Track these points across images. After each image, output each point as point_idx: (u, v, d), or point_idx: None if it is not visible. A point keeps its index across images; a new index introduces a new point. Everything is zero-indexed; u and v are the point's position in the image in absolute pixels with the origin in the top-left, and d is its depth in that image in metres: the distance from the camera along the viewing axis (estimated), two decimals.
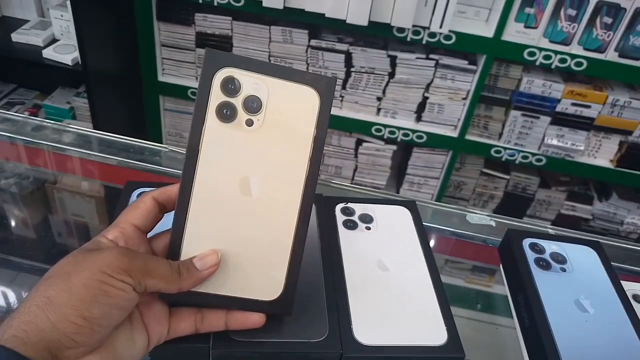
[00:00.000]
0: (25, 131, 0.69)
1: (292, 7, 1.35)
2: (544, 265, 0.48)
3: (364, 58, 1.47)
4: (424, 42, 1.38)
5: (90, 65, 1.41)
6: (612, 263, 0.50)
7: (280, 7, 1.35)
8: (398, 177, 1.72)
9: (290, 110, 0.38)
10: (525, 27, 1.35)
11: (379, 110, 1.56)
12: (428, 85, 1.49)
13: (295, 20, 1.44)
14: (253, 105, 0.37)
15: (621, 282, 0.48)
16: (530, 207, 1.68)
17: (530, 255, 0.48)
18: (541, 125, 1.49)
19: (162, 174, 0.64)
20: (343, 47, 1.47)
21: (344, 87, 1.52)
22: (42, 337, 0.30)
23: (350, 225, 0.52)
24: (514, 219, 0.61)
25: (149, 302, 0.37)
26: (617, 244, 0.59)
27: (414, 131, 1.54)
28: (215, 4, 1.40)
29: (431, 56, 1.45)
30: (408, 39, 1.38)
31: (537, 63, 1.38)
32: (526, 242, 0.50)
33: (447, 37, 1.36)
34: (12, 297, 0.56)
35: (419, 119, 1.55)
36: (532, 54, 1.37)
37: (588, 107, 1.44)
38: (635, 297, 0.47)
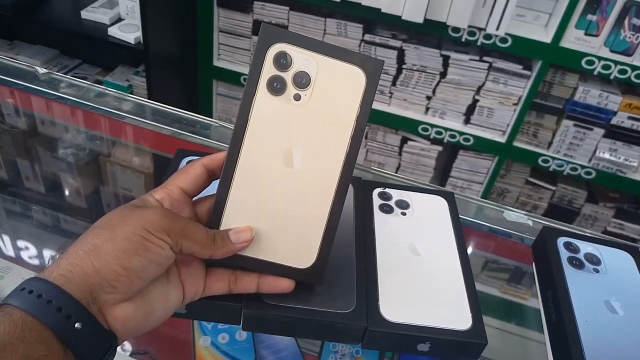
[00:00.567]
0: (89, 97, 0.74)
1: (349, 0, 1.37)
2: (577, 264, 0.47)
3: (417, 56, 1.47)
4: (478, 43, 1.37)
5: (151, 46, 1.47)
6: None
7: None
8: (441, 179, 1.71)
9: (337, 88, 0.39)
10: (586, 34, 1.31)
11: (427, 109, 1.55)
12: (479, 88, 1.48)
13: (351, 14, 1.45)
14: (302, 80, 0.39)
15: None
16: (575, 221, 1.64)
17: (564, 254, 0.48)
18: (594, 137, 1.45)
19: (212, 147, 0.67)
20: (396, 43, 1.48)
21: (393, 84, 1.53)
22: (85, 280, 0.33)
23: (386, 209, 0.54)
24: (552, 220, 0.60)
25: (188, 261, 0.40)
26: None
27: (461, 133, 1.53)
28: None
29: (485, 58, 1.44)
30: (463, 40, 1.37)
31: (595, 72, 1.34)
32: (561, 241, 0.50)
33: (503, 40, 1.35)
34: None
35: (467, 121, 1.54)
36: (590, 62, 1.33)
37: None
38: None
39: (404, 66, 1.49)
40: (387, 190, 0.56)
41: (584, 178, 1.51)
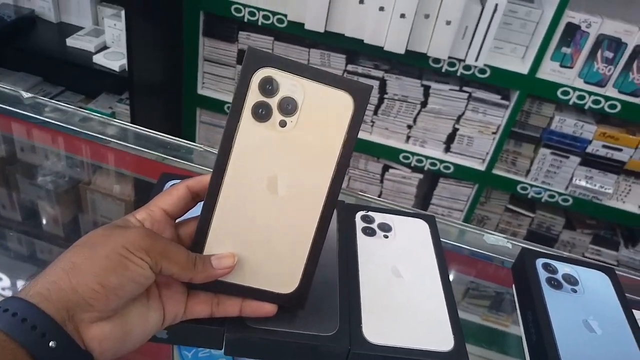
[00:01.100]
0: (73, 121, 0.74)
1: (332, 31, 1.40)
2: (555, 284, 0.48)
3: (398, 86, 1.50)
4: (458, 74, 1.41)
5: (135, 73, 1.48)
6: (626, 294, 0.50)
7: (322, 30, 1.40)
8: (422, 207, 1.73)
9: (324, 114, 0.39)
10: (561, 66, 1.36)
11: (408, 138, 1.58)
12: (459, 117, 1.51)
13: (334, 45, 1.48)
14: (288, 107, 0.38)
15: (633, 310, 0.48)
16: (553, 247, 1.66)
17: (543, 275, 0.49)
18: (570, 165, 1.49)
19: (196, 172, 0.67)
20: (378, 73, 1.51)
21: (375, 113, 1.56)
22: (62, 297, 0.32)
23: (369, 232, 0.54)
24: (532, 243, 0.62)
25: (169, 282, 0.39)
26: (633, 277, 0.59)
27: (441, 161, 1.56)
28: (260, 23, 1.46)
29: (465, 88, 1.47)
30: (443, 70, 1.41)
31: (571, 102, 1.39)
32: (539, 262, 0.51)
33: (482, 71, 1.39)
34: None
35: (447, 149, 1.56)
36: (565, 93, 1.37)
37: (619, 150, 1.43)
38: None
39: (385, 96, 1.53)
40: (369, 213, 0.57)
41: (562, 205, 1.54)
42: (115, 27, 1.56)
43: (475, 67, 1.38)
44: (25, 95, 0.75)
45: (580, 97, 1.37)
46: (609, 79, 1.35)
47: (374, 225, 0.55)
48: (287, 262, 0.41)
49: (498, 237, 0.63)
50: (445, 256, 0.53)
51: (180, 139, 0.71)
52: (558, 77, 1.38)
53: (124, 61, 1.50)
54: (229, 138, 0.38)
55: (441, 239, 0.55)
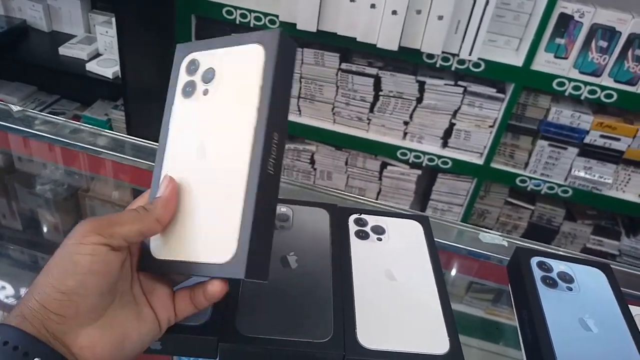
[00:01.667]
0: (64, 133, 0.74)
1: (325, 30, 1.40)
2: (551, 283, 0.48)
3: (393, 82, 1.50)
4: (453, 68, 1.40)
5: (129, 80, 1.47)
6: (622, 289, 0.50)
7: (314, 30, 1.39)
8: (422, 203, 1.72)
9: (238, 72, 0.38)
10: (556, 57, 1.35)
11: (405, 134, 1.57)
12: (455, 112, 1.51)
13: (327, 44, 1.48)
14: (208, 76, 0.40)
15: (629, 306, 0.48)
16: (554, 239, 1.66)
17: (537, 273, 0.49)
18: (568, 156, 1.48)
19: None
20: (373, 71, 1.50)
21: (371, 111, 1.55)
22: (35, 316, 0.32)
23: (362, 235, 0.54)
24: (526, 240, 0.61)
25: (152, 286, 0.39)
26: (630, 270, 0.59)
27: (439, 157, 1.55)
28: (252, 25, 1.45)
29: (460, 83, 1.47)
30: (437, 65, 1.40)
31: (567, 93, 1.38)
32: (534, 260, 0.51)
33: (476, 65, 1.38)
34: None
35: (445, 144, 1.56)
36: (561, 84, 1.37)
37: (617, 139, 1.43)
38: None
39: (380, 93, 1.52)
40: (362, 216, 0.57)
41: (561, 197, 1.54)
42: (107, 34, 1.56)
43: (470, 61, 1.38)
44: (15, 109, 0.75)
45: (576, 88, 1.37)
46: (604, 68, 1.35)
47: (367, 228, 0.55)
48: (219, 228, 0.37)
49: (494, 235, 0.62)
50: (439, 257, 0.53)
51: None
52: (553, 68, 1.37)
53: (117, 68, 1.50)
54: (166, 119, 0.42)
55: (436, 239, 0.55)
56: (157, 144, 0.43)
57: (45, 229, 0.71)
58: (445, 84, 1.47)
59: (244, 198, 0.36)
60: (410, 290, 0.49)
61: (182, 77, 0.41)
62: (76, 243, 0.34)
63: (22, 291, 0.60)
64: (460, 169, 1.56)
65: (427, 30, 1.34)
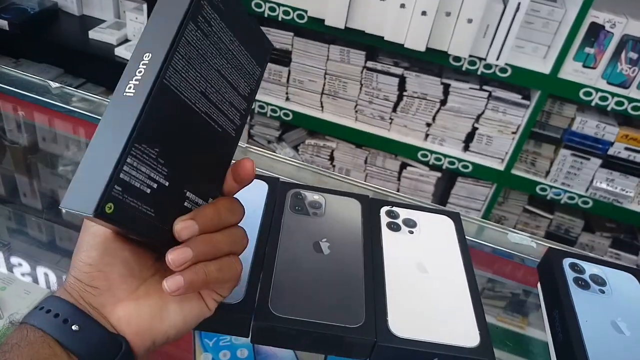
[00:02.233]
0: (100, 111, 0.75)
1: (353, 27, 1.40)
2: (583, 284, 0.48)
3: (418, 83, 1.50)
4: (479, 72, 1.40)
5: None
6: None
7: (342, 27, 1.40)
8: (439, 205, 1.72)
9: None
10: (584, 66, 1.34)
11: (427, 136, 1.57)
12: (479, 116, 1.50)
13: (354, 41, 1.48)
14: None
15: None
16: None
17: (570, 274, 0.49)
18: (591, 167, 1.47)
19: None
20: (398, 70, 1.50)
21: (394, 110, 1.55)
22: (74, 289, 0.34)
23: (394, 227, 0.54)
24: (556, 242, 0.61)
25: None
26: None
27: (460, 160, 1.55)
28: (280, 19, 1.46)
29: (485, 87, 1.46)
30: (463, 69, 1.40)
31: (593, 104, 1.37)
32: (566, 262, 0.51)
33: (503, 70, 1.38)
34: (53, 278, 0.61)
35: (466, 148, 1.55)
36: (588, 94, 1.36)
37: None
38: None
39: (404, 93, 1.52)
40: (394, 208, 0.57)
41: (581, 207, 1.52)
42: (136, 21, 1.58)
43: (496, 66, 1.37)
44: (53, 85, 0.76)
45: (603, 98, 1.36)
46: (632, 80, 1.33)
47: (399, 221, 0.55)
48: None
49: (522, 236, 0.62)
50: (470, 254, 0.53)
51: None
52: (580, 78, 1.36)
53: None
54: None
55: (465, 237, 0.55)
56: None
57: (64, 210, 0.72)
58: (470, 88, 1.47)
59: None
60: (442, 284, 0.49)
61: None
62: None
63: (38, 270, 0.61)
64: (480, 173, 1.56)
65: (456, 33, 1.34)
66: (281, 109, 1.61)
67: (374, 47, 1.49)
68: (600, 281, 0.49)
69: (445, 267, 0.51)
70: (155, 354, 0.47)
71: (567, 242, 1.63)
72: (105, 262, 0.34)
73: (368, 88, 1.54)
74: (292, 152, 1.67)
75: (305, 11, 1.43)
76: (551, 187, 1.52)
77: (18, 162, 0.78)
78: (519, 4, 1.28)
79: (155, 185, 0.32)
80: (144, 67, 0.32)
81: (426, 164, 1.59)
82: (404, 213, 0.56)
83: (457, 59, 1.39)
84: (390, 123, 1.57)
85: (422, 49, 1.36)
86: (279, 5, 1.44)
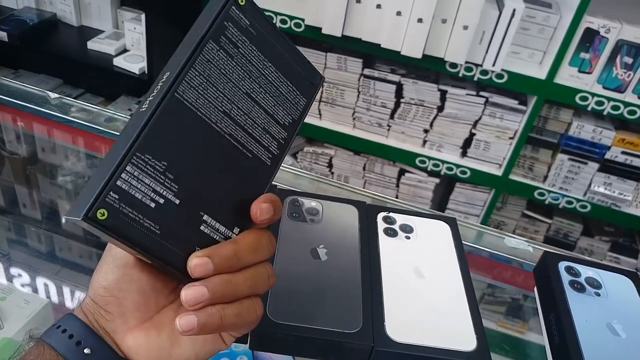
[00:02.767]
0: (99, 121, 0.75)
1: (350, 35, 1.41)
2: (579, 287, 0.48)
3: (415, 90, 1.51)
4: (475, 78, 1.41)
5: (155, 75, 1.50)
6: None
7: (339, 35, 1.41)
8: (438, 211, 1.72)
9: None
10: (579, 71, 1.35)
11: (424, 142, 1.58)
12: (476, 122, 1.51)
13: (351, 49, 1.49)
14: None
15: None
16: None
17: (565, 277, 0.49)
18: (588, 171, 1.47)
19: None
20: (395, 78, 1.51)
21: (392, 117, 1.56)
22: (90, 311, 0.34)
23: (391, 232, 0.55)
24: (552, 247, 0.62)
25: None
26: None
27: (458, 166, 1.55)
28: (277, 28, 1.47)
29: (481, 93, 1.47)
30: (460, 75, 1.41)
31: (589, 108, 1.38)
32: (562, 265, 0.51)
33: (499, 76, 1.38)
34: (53, 288, 0.61)
35: (464, 154, 1.56)
36: (584, 98, 1.37)
37: (639, 156, 1.42)
38: None
39: (402, 100, 1.53)
40: (391, 214, 0.57)
41: (580, 211, 1.53)
42: (135, 31, 1.59)
43: (493, 72, 1.38)
44: (52, 95, 0.77)
45: (599, 103, 1.36)
46: (628, 84, 1.34)
47: (396, 227, 0.55)
48: None
49: (519, 240, 0.63)
50: (466, 258, 0.53)
51: None
52: (576, 83, 1.37)
53: (144, 64, 1.52)
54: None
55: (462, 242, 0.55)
56: None
57: (64, 220, 0.72)
58: (467, 94, 1.47)
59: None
60: (438, 288, 0.49)
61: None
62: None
63: (38, 280, 0.61)
64: (478, 179, 1.56)
65: (452, 40, 1.35)
66: None
67: (370, 54, 1.50)
68: (595, 284, 0.49)
69: (442, 271, 0.51)
70: None
71: (566, 246, 1.63)
72: (120, 287, 0.33)
73: (365, 95, 1.55)
74: (291, 160, 1.68)
75: (303, 20, 1.44)
76: (549, 191, 1.53)
77: (17, 172, 0.78)
78: (514, 10, 1.29)
79: (161, 201, 0.31)
80: (161, 84, 0.32)
81: (424, 170, 1.60)
82: (400, 219, 0.57)
83: (454, 65, 1.40)
84: (388, 130, 1.58)
85: (419, 56, 1.37)
86: (276, 14, 1.46)
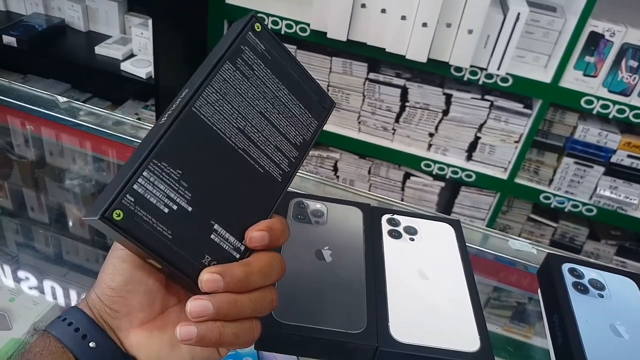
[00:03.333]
0: (107, 125, 0.76)
1: (355, 40, 1.42)
2: (582, 289, 0.49)
3: (420, 94, 1.51)
4: (480, 82, 1.41)
5: (161, 80, 1.51)
6: None
7: (344, 39, 1.41)
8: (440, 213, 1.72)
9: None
10: (585, 75, 1.35)
11: (430, 146, 1.58)
12: (481, 126, 1.51)
13: (356, 53, 1.50)
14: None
15: None
16: None
17: (569, 279, 0.50)
18: (594, 175, 1.47)
19: None
20: (400, 82, 1.52)
21: (397, 121, 1.56)
22: (95, 307, 0.35)
23: (395, 234, 0.55)
24: (558, 249, 0.62)
25: None
26: None
27: (463, 170, 1.55)
28: (282, 32, 1.48)
29: (487, 97, 1.47)
30: (465, 79, 1.41)
31: (594, 112, 1.38)
32: (565, 267, 0.51)
33: (504, 80, 1.39)
34: (60, 290, 0.62)
35: (469, 158, 1.56)
36: (589, 102, 1.37)
37: None
38: None
39: (407, 104, 1.53)
40: (395, 216, 0.58)
41: (585, 215, 1.53)
42: (142, 36, 1.60)
43: (498, 75, 1.38)
44: (62, 99, 0.78)
45: (605, 107, 1.36)
46: (633, 88, 1.34)
47: (400, 228, 0.56)
48: None
49: (523, 242, 0.63)
50: (470, 260, 0.53)
51: None
52: (581, 86, 1.37)
53: (151, 68, 1.54)
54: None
55: (466, 244, 0.56)
56: None
57: (71, 224, 0.73)
58: (472, 98, 1.48)
59: None
60: (442, 290, 0.49)
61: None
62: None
63: (46, 282, 0.62)
64: (483, 183, 1.56)
65: (457, 44, 1.35)
66: None
67: (375, 58, 1.51)
68: (599, 286, 0.49)
69: (446, 273, 0.51)
70: None
71: (572, 250, 1.63)
72: (128, 289, 0.34)
73: (371, 99, 1.55)
74: None
75: (308, 24, 1.45)
76: (555, 195, 1.52)
77: (25, 176, 0.79)
78: (519, 14, 1.29)
79: (175, 207, 0.32)
80: (180, 99, 0.34)
81: (429, 173, 1.60)
82: (404, 221, 0.57)
83: (459, 69, 1.40)
84: (393, 133, 1.59)
85: (424, 60, 1.38)
86: (281, 18, 1.47)
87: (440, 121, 1.53)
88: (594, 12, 1.27)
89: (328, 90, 1.57)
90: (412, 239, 0.55)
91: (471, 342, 0.45)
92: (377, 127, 1.59)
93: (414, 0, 1.31)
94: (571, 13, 1.34)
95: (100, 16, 1.72)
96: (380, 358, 0.44)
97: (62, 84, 1.88)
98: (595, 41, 1.32)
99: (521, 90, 1.41)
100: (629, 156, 1.43)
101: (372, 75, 1.53)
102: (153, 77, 1.52)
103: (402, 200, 1.68)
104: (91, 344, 0.33)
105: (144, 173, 0.31)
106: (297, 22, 1.46)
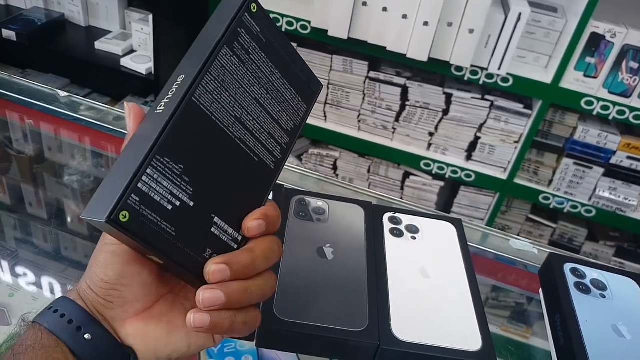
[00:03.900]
0: (107, 120, 0.76)
1: (355, 38, 1.41)
2: (584, 289, 0.49)
3: (420, 93, 1.51)
4: (480, 82, 1.41)
5: (161, 76, 1.51)
6: None
7: (345, 37, 1.41)
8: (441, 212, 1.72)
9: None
10: (585, 76, 1.35)
11: (429, 145, 1.58)
12: (481, 126, 1.51)
13: (357, 51, 1.50)
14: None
15: None
16: None
17: (571, 279, 0.50)
18: (594, 176, 1.47)
19: None
20: (400, 80, 1.52)
21: (397, 120, 1.56)
22: (87, 298, 0.34)
23: (397, 233, 0.55)
24: (557, 249, 0.62)
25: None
26: None
27: (462, 169, 1.55)
28: (283, 29, 1.48)
29: (487, 97, 1.47)
30: (465, 78, 1.41)
31: (594, 113, 1.38)
32: (567, 267, 0.51)
33: (505, 80, 1.39)
34: (59, 286, 0.61)
35: (469, 157, 1.56)
36: (589, 103, 1.37)
37: None
38: None
39: (407, 103, 1.53)
40: (397, 215, 0.58)
41: (585, 216, 1.53)
42: (142, 32, 1.60)
43: (498, 75, 1.38)
44: (62, 94, 0.78)
45: (605, 108, 1.36)
46: (634, 89, 1.34)
47: (402, 227, 0.56)
48: None
49: (524, 242, 0.63)
50: (471, 259, 0.53)
51: None
52: (582, 87, 1.37)
53: (151, 64, 1.53)
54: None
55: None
56: None
57: (70, 219, 0.73)
58: (472, 97, 1.48)
59: None
60: (444, 288, 0.49)
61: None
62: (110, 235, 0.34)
63: (45, 278, 0.62)
64: (483, 182, 1.56)
65: (458, 43, 1.35)
66: None
67: (376, 57, 1.51)
68: (601, 286, 0.49)
69: (448, 272, 0.51)
70: None
71: (570, 251, 1.63)
72: (122, 282, 0.33)
73: (371, 98, 1.55)
74: (296, 162, 1.68)
75: (309, 22, 1.45)
76: (554, 196, 1.53)
77: (24, 171, 0.79)
78: (520, 14, 1.29)
79: (177, 203, 0.31)
80: (176, 87, 0.33)
81: (429, 173, 1.60)
82: (406, 219, 0.57)
83: (459, 68, 1.40)
84: (393, 132, 1.58)
85: (424, 59, 1.38)
86: (282, 16, 1.46)
87: (440, 121, 1.53)
88: (595, 13, 1.27)
89: (328, 88, 1.57)
90: (414, 238, 0.55)
91: (473, 341, 0.45)
92: (377, 126, 1.58)
93: None
94: (572, 14, 1.34)
95: (101, 11, 1.72)
96: (382, 356, 0.44)
97: (62, 79, 1.87)
98: (596, 42, 1.32)
99: (521, 91, 1.41)
100: (629, 158, 1.43)
101: (372, 74, 1.53)
102: (153, 73, 1.51)
103: (402, 199, 1.68)
104: (86, 336, 0.32)
105: (148, 170, 0.30)
106: (298, 20, 1.46)
